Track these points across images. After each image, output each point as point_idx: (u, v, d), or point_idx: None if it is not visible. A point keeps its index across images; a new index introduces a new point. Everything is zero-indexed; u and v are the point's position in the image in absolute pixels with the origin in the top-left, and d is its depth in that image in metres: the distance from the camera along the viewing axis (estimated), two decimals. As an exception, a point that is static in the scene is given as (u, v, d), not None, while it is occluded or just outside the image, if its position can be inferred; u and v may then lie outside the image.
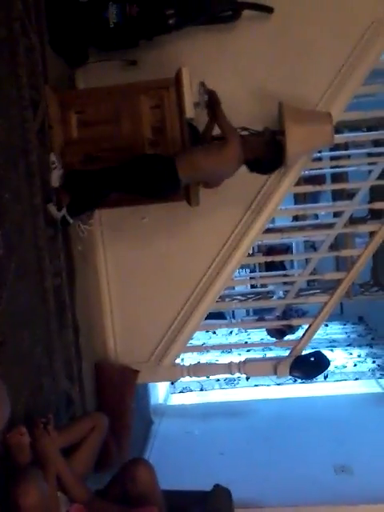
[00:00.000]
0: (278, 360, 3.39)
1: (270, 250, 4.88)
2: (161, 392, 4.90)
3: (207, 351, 4.94)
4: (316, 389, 4.92)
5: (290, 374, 3.37)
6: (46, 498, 1.92)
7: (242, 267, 5.29)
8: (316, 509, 3.27)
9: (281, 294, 4.50)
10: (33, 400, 2.32)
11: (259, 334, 5.40)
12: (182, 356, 3.72)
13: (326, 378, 5.01)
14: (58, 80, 2.89)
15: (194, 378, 4.62)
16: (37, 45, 2.62)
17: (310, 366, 3.35)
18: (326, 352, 3.82)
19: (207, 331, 5.54)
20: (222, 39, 3.05)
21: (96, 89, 2.85)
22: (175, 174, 2.54)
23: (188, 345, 3.50)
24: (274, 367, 3.34)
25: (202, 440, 4.11)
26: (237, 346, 4.98)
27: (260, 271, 5.62)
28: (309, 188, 3.58)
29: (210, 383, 5.06)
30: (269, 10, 2.97)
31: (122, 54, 3.03)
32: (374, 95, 3.62)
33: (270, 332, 4.17)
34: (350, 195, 4.06)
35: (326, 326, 6.10)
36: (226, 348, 5.13)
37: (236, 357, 4.43)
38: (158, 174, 2.57)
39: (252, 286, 4.99)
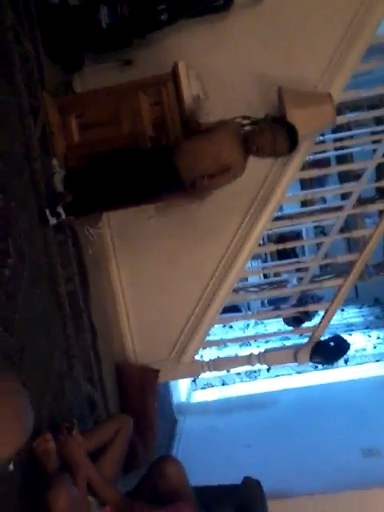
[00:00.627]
0: (297, 347, 3.38)
1: (281, 239, 4.85)
2: (183, 390, 4.90)
3: (226, 345, 4.93)
4: (337, 374, 4.89)
5: (311, 360, 3.35)
6: (77, 502, 1.92)
7: (254, 258, 5.26)
8: (348, 493, 3.25)
9: (295, 281, 4.47)
10: (56, 406, 2.32)
11: (276, 325, 5.38)
12: (200, 352, 3.71)
13: (346, 362, 4.98)
14: (56, 86, 2.89)
15: (215, 374, 4.62)
16: (31, 52, 2.62)
17: (330, 351, 3.33)
18: (345, 336, 3.78)
19: (224, 326, 5.52)
20: (216, 29, 3.04)
21: (94, 91, 2.84)
22: (175, 168, 2.47)
23: (206, 340, 3.50)
24: (294, 355, 3.32)
25: (227, 434, 4.11)
26: (255, 337, 4.96)
27: (272, 261, 5.59)
28: (315, 172, 3.55)
29: (230, 377, 5.05)
30: (260, -4, 2.95)
31: (116, 54, 3.02)
32: (372, 73, 3.58)
33: (287, 321, 4.15)
34: (356, 176, 4.02)
35: (342, 310, 6.06)
36: (244, 340, 5.10)
37: (255, 349, 4.42)
38: (157, 169, 2.48)
39: (265, 277, 4.97)
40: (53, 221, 2.49)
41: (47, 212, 2.47)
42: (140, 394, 3.18)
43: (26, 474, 1.96)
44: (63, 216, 2.52)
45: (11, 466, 1.87)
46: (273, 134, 2.45)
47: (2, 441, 0.77)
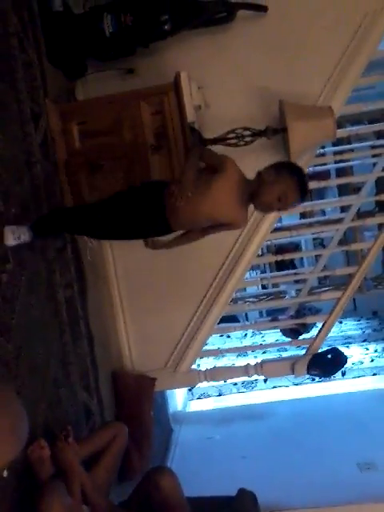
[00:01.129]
0: (294, 359, 3.36)
1: (280, 250, 4.86)
2: (179, 399, 4.87)
3: (223, 355, 4.91)
4: (334, 387, 4.87)
5: (308, 372, 3.34)
6: (70, 510, 1.90)
7: (253, 269, 5.26)
8: (343, 508, 3.22)
9: (293, 293, 4.48)
10: (51, 413, 2.31)
11: (274, 336, 5.37)
12: (197, 362, 3.70)
13: (343, 375, 4.96)
14: (58, 93, 2.90)
15: (212, 383, 4.60)
16: (35, 59, 2.64)
17: (327, 364, 3.32)
18: (342, 349, 3.78)
19: (221, 335, 5.51)
20: (219, 41, 3.06)
21: (96, 99, 2.86)
22: (167, 223, 2.20)
23: (203, 350, 3.49)
24: (291, 366, 3.31)
25: (223, 445, 4.08)
26: (252, 347, 4.95)
27: (271, 271, 5.60)
28: (314, 184, 3.56)
29: (227, 388, 5.03)
30: (263, 9, 2.98)
31: (119, 63, 3.04)
32: (373, 87, 3.62)
33: (285, 332, 4.15)
34: (356, 189, 4.04)
35: (340, 322, 6.05)
36: (241, 351, 5.09)
37: (252, 359, 4.40)
38: (148, 221, 2.20)
39: (263, 287, 4.97)
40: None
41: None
42: (136, 402, 3.16)
43: (20, 480, 1.94)
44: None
45: (5, 473, 1.86)
46: (282, 189, 2.05)
47: None
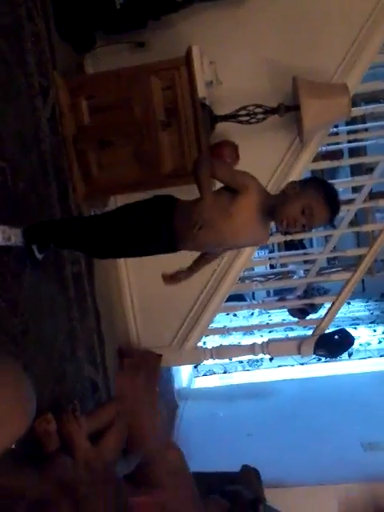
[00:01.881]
0: (301, 339, 3.36)
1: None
2: (184, 376, 4.91)
3: (229, 334, 4.92)
4: (341, 367, 4.88)
5: (315, 352, 3.34)
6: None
7: (261, 248, 5.23)
8: (346, 486, 3.26)
9: (301, 273, 4.45)
10: (58, 387, 2.33)
11: (281, 315, 5.37)
12: (203, 340, 3.72)
13: (350, 355, 4.96)
14: (67, 66, 2.86)
15: (217, 361, 4.62)
16: (43, 31, 2.59)
17: (334, 344, 3.32)
18: (350, 330, 3.77)
19: (228, 314, 5.52)
20: (232, 14, 2.98)
21: (105, 73, 2.81)
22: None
23: (210, 328, 3.49)
24: (297, 346, 3.31)
25: (227, 422, 4.12)
26: (259, 326, 4.96)
27: (279, 251, 5.56)
28: (327, 163, 3.50)
29: (233, 365, 5.05)
30: (278, -19, 2.89)
31: (129, 36, 2.98)
32: (390, 64, 3.52)
33: (292, 312, 4.14)
34: (368, 169, 3.97)
35: (349, 304, 6.03)
36: (248, 329, 5.10)
37: (259, 338, 4.41)
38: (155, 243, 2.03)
39: (271, 267, 4.94)
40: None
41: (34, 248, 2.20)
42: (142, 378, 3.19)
43: (27, 453, 1.97)
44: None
45: (13, 445, 1.88)
46: (306, 202, 1.81)
47: (5, 427, 0.77)
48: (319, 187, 1.86)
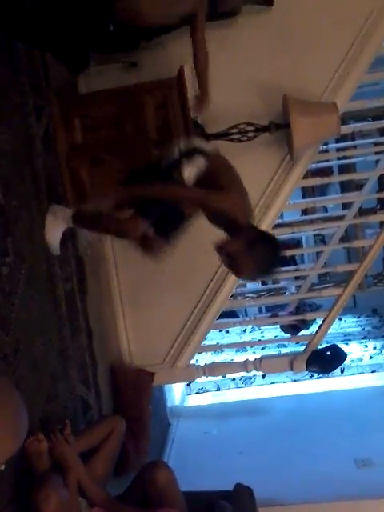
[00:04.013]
0: (293, 355, 3.36)
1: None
2: (177, 394, 4.88)
3: (222, 351, 4.91)
4: (333, 383, 4.88)
5: (307, 369, 3.34)
6: (66, 504, 1.91)
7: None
8: (340, 504, 3.23)
9: (293, 289, 4.47)
10: (49, 406, 2.31)
11: (273, 332, 5.37)
12: (196, 357, 3.70)
13: (342, 372, 4.96)
14: (60, 85, 2.88)
15: (210, 378, 4.61)
16: (37, 51, 2.62)
17: (326, 360, 3.32)
18: (342, 346, 3.78)
19: (221, 331, 5.51)
20: (223, 35, 3.03)
21: (98, 92, 2.84)
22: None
23: (202, 345, 3.48)
24: (290, 363, 3.31)
25: (220, 440, 4.09)
26: (251, 343, 4.95)
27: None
28: (317, 180, 3.55)
29: (225, 383, 5.03)
30: (269, 2, 2.95)
31: (122, 56, 3.02)
32: (378, 84, 3.59)
33: (284, 328, 4.15)
34: (358, 186, 4.02)
35: (340, 319, 6.05)
36: (240, 346, 5.09)
37: (251, 355, 4.40)
38: None
39: (263, 283, 4.96)
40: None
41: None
42: (134, 397, 3.17)
43: (17, 474, 1.95)
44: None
45: (3, 466, 1.85)
46: (239, 253, 1.96)
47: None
48: (262, 251, 1.93)
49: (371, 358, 5.29)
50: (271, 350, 5.06)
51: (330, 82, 3.04)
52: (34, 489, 1.87)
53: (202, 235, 3.24)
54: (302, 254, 6.00)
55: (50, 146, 2.65)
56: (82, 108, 2.74)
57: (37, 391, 2.22)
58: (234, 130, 2.82)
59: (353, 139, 4.34)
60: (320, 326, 3.38)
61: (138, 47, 2.86)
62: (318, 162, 3.83)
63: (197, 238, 3.26)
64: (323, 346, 3.43)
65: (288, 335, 3.94)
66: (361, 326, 6.17)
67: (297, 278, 4.13)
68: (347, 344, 5.45)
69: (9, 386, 0.93)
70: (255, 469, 3.39)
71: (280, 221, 3.89)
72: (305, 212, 4.64)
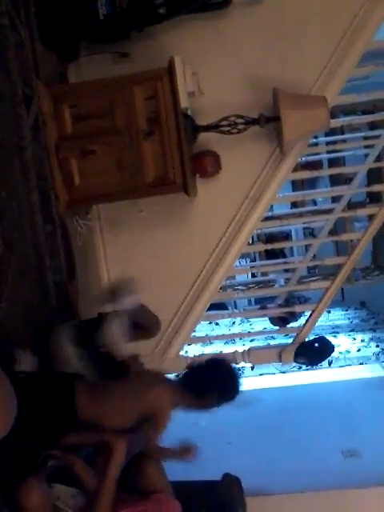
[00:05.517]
0: (282, 347, 3.39)
1: (270, 239, 4.87)
2: (166, 385, 4.89)
3: (211, 343, 4.92)
4: (321, 375, 4.92)
5: (295, 360, 3.37)
6: (49, 499, 1.91)
7: (242, 257, 5.27)
8: (326, 493, 3.28)
9: (282, 281, 4.49)
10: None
11: (262, 324, 5.39)
12: (186, 349, 3.72)
13: (330, 364, 5.00)
14: (50, 75, 2.87)
15: (199, 370, 4.61)
16: (27, 40, 2.60)
17: (314, 352, 3.35)
18: (330, 338, 3.81)
19: (210, 323, 5.52)
20: (214, 27, 3.03)
21: (89, 82, 2.82)
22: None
23: (191, 336, 3.50)
24: (278, 354, 3.33)
25: (208, 431, 4.11)
26: (240, 335, 4.98)
27: (260, 260, 5.61)
28: (306, 174, 3.56)
29: (214, 374, 5.05)
30: (259, -5, 2.95)
31: (113, 46, 3.01)
32: (367, 77, 3.60)
33: (273, 320, 4.16)
34: (347, 180, 4.04)
35: (329, 312, 6.08)
36: (229, 338, 5.12)
37: (240, 347, 4.42)
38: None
39: (253, 276, 4.98)
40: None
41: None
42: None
43: (2, 466, 1.95)
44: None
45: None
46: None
47: None
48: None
49: (359, 350, 5.33)
50: (260, 343, 5.09)
51: (320, 75, 3.05)
52: (17, 485, 1.87)
53: (191, 227, 3.27)
54: (292, 247, 6.03)
55: (39, 137, 2.63)
56: (72, 98, 2.72)
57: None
58: (224, 123, 2.82)
59: (342, 133, 4.36)
60: (308, 318, 3.41)
61: (128, 37, 2.86)
62: (308, 155, 3.84)
63: (186, 229, 3.29)
64: (311, 338, 3.46)
65: (277, 327, 3.96)
66: (349, 318, 6.22)
67: (286, 270, 4.15)
68: (335, 336, 5.49)
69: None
70: (243, 459, 3.42)
71: (269, 214, 3.91)
72: (294, 205, 4.67)
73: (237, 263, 3.85)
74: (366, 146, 3.76)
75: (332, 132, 3.98)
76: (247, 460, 3.43)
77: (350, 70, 3.08)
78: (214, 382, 2.15)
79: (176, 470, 2.45)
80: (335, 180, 4.55)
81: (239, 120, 2.81)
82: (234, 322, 5.68)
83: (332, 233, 4.04)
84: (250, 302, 5.80)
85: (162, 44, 2.98)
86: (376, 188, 3.45)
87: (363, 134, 4.06)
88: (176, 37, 2.99)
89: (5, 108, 2.37)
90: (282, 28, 3.04)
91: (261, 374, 4.97)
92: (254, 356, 3.41)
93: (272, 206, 3.89)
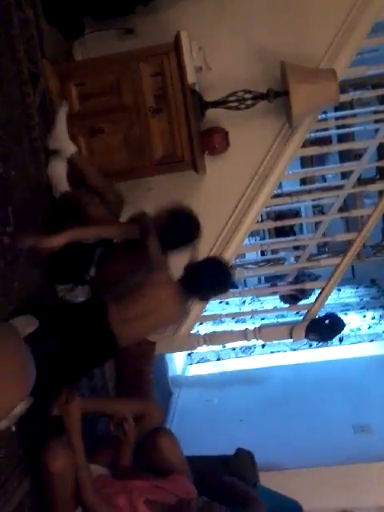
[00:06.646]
0: (293, 324, 3.40)
1: (279, 216, 4.84)
2: (178, 364, 4.94)
3: (221, 321, 4.96)
4: (332, 352, 4.94)
5: (306, 337, 3.37)
6: (73, 464, 1.94)
7: (252, 235, 5.27)
8: (337, 468, 3.31)
9: (292, 259, 4.49)
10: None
11: (272, 302, 5.40)
12: (196, 328, 3.74)
13: (341, 341, 5.02)
14: (56, 53, 2.84)
15: (211, 348, 4.66)
16: (31, 17, 2.58)
17: (325, 329, 3.35)
18: (341, 316, 3.80)
19: (220, 302, 5.55)
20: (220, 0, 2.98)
21: (94, 59, 2.80)
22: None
23: (202, 315, 3.51)
24: (289, 331, 3.34)
25: (221, 408, 4.16)
26: (251, 313, 4.99)
27: (270, 238, 5.59)
28: (316, 149, 3.52)
29: (226, 353, 5.09)
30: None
31: (118, 22, 2.97)
32: (377, 50, 3.54)
33: (284, 298, 4.16)
34: (357, 155, 4.00)
35: (339, 290, 6.09)
36: (239, 316, 5.14)
37: (251, 326, 4.44)
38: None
39: (262, 254, 4.97)
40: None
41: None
42: (136, 366, 3.20)
43: (26, 436, 1.99)
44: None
45: (13, 428, 1.90)
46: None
47: (6, 391, 0.78)
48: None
49: (370, 327, 5.34)
50: (270, 321, 5.11)
51: (329, 47, 2.99)
52: (43, 448, 1.91)
53: (200, 204, 3.26)
54: (301, 224, 6.00)
55: (47, 115, 2.62)
56: (78, 76, 2.70)
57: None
58: (232, 98, 2.79)
59: (352, 108, 4.29)
60: (319, 295, 3.40)
61: (133, 12, 2.82)
62: (317, 131, 3.79)
63: (195, 207, 3.27)
64: (322, 315, 3.46)
65: (287, 305, 3.96)
66: (359, 296, 6.22)
67: (296, 248, 4.13)
68: (346, 314, 5.50)
69: (18, 342, 0.94)
70: (255, 435, 3.46)
71: (278, 191, 3.88)
72: (303, 182, 4.63)
73: (246, 241, 3.83)
74: (376, 121, 3.70)
75: (341, 107, 3.93)
76: (259, 436, 3.47)
77: (360, 41, 3.02)
78: (207, 279, 2.23)
79: (189, 448, 2.48)
80: (345, 156, 4.50)
81: (247, 95, 2.78)
82: (244, 301, 5.70)
83: (342, 209, 4.00)
84: (259, 280, 5.81)
85: (168, 18, 2.94)
86: (386, 163, 3.41)
87: (373, 108, 3.99)
88: (181, 11, 2.94)
89: (11, 87, 2.35)
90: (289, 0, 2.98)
91: (272, 352, 5.01)
92: (265, 333, 3.42)
93: (281, 182, 3.86)
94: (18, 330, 0.85)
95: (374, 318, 5.53)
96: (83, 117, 2.70)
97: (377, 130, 3.76)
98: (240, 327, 4.24)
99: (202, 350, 4.54)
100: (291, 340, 3.47)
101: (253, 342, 3.68)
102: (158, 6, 2.88)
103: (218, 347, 4.88)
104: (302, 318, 3.44)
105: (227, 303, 5.71)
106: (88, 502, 1.91)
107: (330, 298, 3.50)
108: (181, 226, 2.35)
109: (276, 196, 3.63)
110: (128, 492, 1.97)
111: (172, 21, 2.90)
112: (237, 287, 3.99)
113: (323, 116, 3.68)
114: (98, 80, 2.68)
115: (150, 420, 2.34)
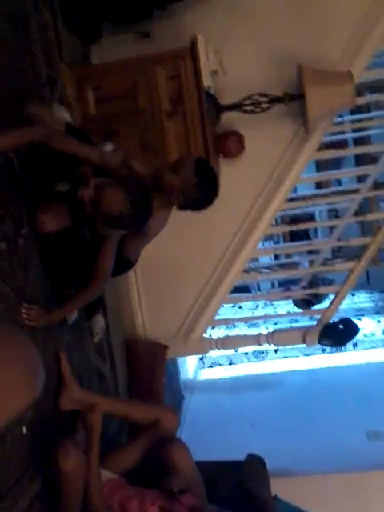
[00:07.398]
0: (306, 329, 3.37)
1: (294, 220, 4.82)
2: (190, 368, 4.93)
3: (234, 325, 4.94)
4: (345, 358, 4.90)
5: (320, 342, 3.35)
6: (85, 463, 1.94)
7: (266, 239, 5.24)
8: (350, 475, 3.28)
9: (306, 264, 4.45)
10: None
11: (285, 307, 5.37)
12: (209, 332, 3.73)
13: (354, 346, 4.97)
14: (73, 57, 2.86)
15: (223, 353, 4.64)
16: (50, 22, 2.60)
17: (339, 334, 3.33)
18: (355, 321, 3.77)
19: (233, 306, 5.53)
20: (237, 3, 2.98)
21: (111, 63, 2.82)
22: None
23: (215, 319, 3.51)
24: (302, 336, 3.32)
25: (232, 413, 4.14)
26: (264, 317, 4.97)
27: (284, 242, 5.57)
28: (331, 153, 3.50)
29: (238, 357, 5.07)
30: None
31: (135, 26, 2.99)
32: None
33: (297, 303, 4.14)
34: (373, 159, 3.96)
35: (353, 295, 6.03)
36: (253, 320, 5.12)
37: (264, 330, 4.42)
38: None
39: (276, 258, 4.94)
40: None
41: None
42: (148, 369, 3.21)
43: (37, 437, 2.00)
44: None
45: (24, 429, 1.90)
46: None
47: (13, 395, 0.78)
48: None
49: (384, 332, 5.29)
50: (284, 325, 5.08)
51: (346, 50, 2.98)
52: (55, 447, 1.91)
53: (215, 208, 3.25)
54: (316, 229, 5.96)
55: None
56: (95, 80, 2.72)
57: (52, 361, 2.25)
58: (248, 102, 2.79)
59: (368, 111, 4.26)
60: (333, 301, 3.38)
61: (151, 16, 2.83)
62: (333, 134, 3.77)
63: (209, 211, 3.26)
64: (336, 320, 3.43)
65: (300, 310, 3.93)
66: (374, 301, 6.16)
67: (310, 252, 4.11)
68: (360, 319, 5.44)
69: (22, 337, 0.93)
70: (266, 441, 3.44)
71: (293, 194, 3.86)
72: (319, 186, 4.60)
73: (260, 245, 3.82)
74: (393, 124, 3.67)
75: (358, 110, 3.90)
76: (271, 442, 3.44)
77: (377, 44, 2.99)
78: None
79: (200, 453, 2.46)
80: (361, 159, 4.46)
81: (263, 98, 2.77)
82: (257, 305, 5.67)
83: (357, 213, 3.97)
84: (273, 284, 5.78)
85: (184, 23, 2.95)
86: (403, 167, 3.37)
87: (390, 112, 3.96)
88: (198, 15, 2.95)
89: (29, 91, 2.37)
90: (306, 3, 2.97)
91: (285, 357, 4.97)
92: (278, 338, 3.40)
93: (296, 186, 3.84)
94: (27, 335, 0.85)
95: (388, 323, 5.47)
96: (99, 120, 2.71)
97: (393, 134, 3.73)
98: (253, 332, 4.23)
99: (215, 354, 4.53)
100: (304, 345, 3.45)
101: (265, 346, 3.66)
102: (175, 10, 2.89)
103: (231, 351, 4.86)
104: (315, 322, 3.42)
105: (240, 307, 5.69)
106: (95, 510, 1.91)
107: (343, 302, 3.47)
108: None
109: (291, 200, 3.61)
110: (140, 497, 1.96)
111: (188, 25, 2.91)
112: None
113: (339, 119, 3.65)
114: (114, 83, 2.70)
115: (165, 426, 2.27)
